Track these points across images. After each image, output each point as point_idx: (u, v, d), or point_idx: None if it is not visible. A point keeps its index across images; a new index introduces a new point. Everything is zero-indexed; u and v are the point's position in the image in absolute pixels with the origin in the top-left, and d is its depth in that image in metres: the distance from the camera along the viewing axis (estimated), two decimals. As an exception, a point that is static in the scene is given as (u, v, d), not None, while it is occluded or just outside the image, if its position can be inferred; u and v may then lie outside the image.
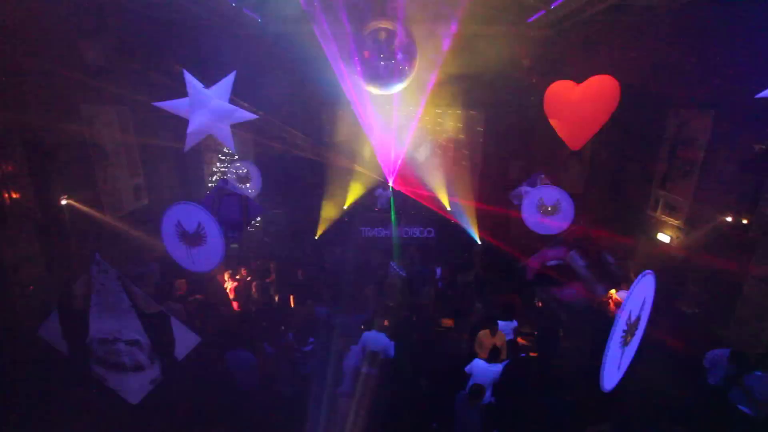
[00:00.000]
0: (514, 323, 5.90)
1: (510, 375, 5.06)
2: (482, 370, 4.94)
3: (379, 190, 10.99)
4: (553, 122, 6.59)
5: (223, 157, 10.25)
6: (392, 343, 5.40)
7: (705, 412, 5.07)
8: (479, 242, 9.74)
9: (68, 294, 3.50)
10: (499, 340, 5.54)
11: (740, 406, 4.72)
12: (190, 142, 5.04)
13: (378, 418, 4.64)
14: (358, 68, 6.14)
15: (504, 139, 10.40)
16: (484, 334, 5.55)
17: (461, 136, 11.66)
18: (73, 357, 3.62)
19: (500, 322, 5.78)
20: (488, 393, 4.95)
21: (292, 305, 7.14)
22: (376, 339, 5.31)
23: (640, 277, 2.99)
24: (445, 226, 10.51)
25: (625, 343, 3.11)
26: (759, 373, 4.71)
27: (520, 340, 6.28)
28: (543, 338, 6.32)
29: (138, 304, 3.39)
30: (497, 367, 4.94)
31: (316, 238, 10.13)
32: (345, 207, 11.44)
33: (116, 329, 3.41)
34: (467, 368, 5.07)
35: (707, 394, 5.17)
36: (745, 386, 4.70)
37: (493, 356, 5.07)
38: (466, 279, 8.05)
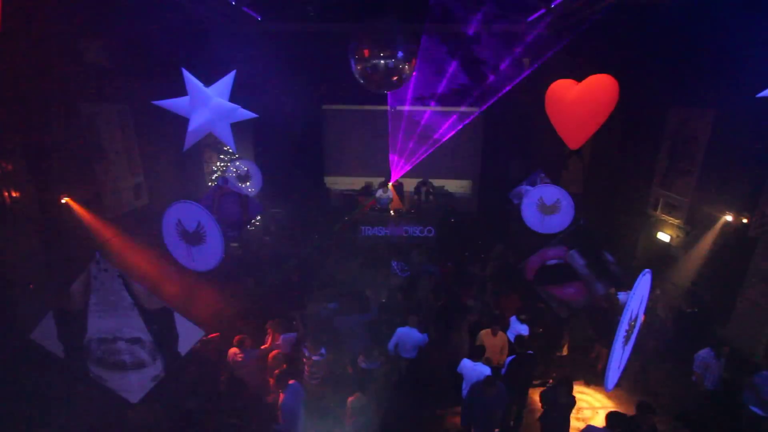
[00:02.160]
0: (526, 330, 5.83)
1: (513, 371, 5.11)
2: (469, 370, 4.96)
3: (379, 191, 11.01)
4: (553, 121, 6.59)
5: (223, 156, 10.25)
6: (425, 336, 5.65)
7: (708, 417, 5.08)
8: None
9: (66, 295, 3.42)
10: (500, 341, 5.55)
11: (752, 408, 4.70)
12: (190, 141, 5.04)
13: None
14: (357, 66, 6.13)
15: (504, 139, 10.40)
16: (485, 333, 5.56)
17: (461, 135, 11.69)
18: (69, 359, 3.53)
19: (514, 322, 5.84)
20: None
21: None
22: (409, 334, 5.56)
23: (640, 276, 2.99)
24: (446, 225, 10.51)
25: (625, 342, 3.13)
26: (766, 373, 4.71)
27: None
28: (546, 337, 6.33)
29: (140, 301, 3.36)
30: (483, 368, 4.91)
31: (317, 237, 10.14)
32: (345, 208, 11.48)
33: (116, 328, 3.35)
34: (458, 368, 5.10)
35: (708, 400, 5.18)
36: (754, 386, 4.70)
37: (475, 354, 5.07)
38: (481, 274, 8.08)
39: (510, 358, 5.26)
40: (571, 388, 4.46)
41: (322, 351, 5.18)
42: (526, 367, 5.23)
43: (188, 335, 3.54)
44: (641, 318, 3.42)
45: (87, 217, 6.43)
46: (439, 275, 7.79)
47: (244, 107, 5.10)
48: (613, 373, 3.07)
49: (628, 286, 2.99)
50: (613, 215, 8.89)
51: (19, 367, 4.88)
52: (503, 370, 5.26)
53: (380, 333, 5.89)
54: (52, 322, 3.45)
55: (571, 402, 4.47)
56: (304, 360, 5.18)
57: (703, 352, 5.16)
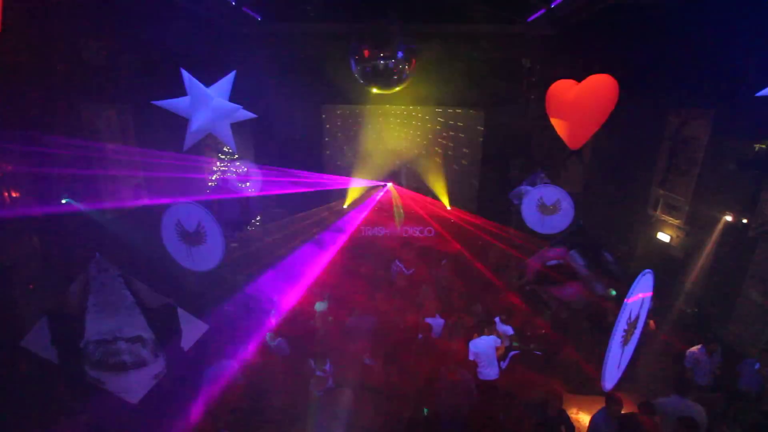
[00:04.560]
0: (511, 330, 5.99)
1: (513, 366, 5.32)
2: (479, 345, 5.33)
3: (380, 192, 11.02)
4: (553, 121, 6.59)
5: (223, 156, 10.24)
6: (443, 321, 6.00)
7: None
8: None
9: (61, 298, 3.32)
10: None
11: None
12: (189, 141, 5.04)
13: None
14: (357, 66, 6.13)
15: (504, 139, 10.38)
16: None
17: (461, 136, 11.69)
18: (64, 364, 3.42)
19: (498, 323, 5.88)
20: (494, 370, 5.34)
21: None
22: (436, 323, 5.93)
23: (639, 276, 2.99)
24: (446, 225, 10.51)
25: (625, 342, 3.12)
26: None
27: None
28: (548, 336, 6.36)
29: (142, 300, 3.30)
30: (490, 337, 5.37)
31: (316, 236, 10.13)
32: (345, 207, 11.46)
33: (116, 328, 3.29)
34: (470, 356, 5.31)
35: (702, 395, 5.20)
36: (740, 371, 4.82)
37: (480, 329, 5.47)
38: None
39: (513, 353, 5.36)
40: (561, 403, 4.49)
41: (327, 367, 5.16)
42: (528, 363, 5.36)
43: (192, 330, 3.51)
44: (644, 319, 3.40)
45: (86, 218, 6.43)
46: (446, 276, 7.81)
47: (243, 107, 5.11)
48: (611, 373, 3.06)
49: (627, 286, 2.98)
50: (613, 215, 8.89)
51: (19, 367, 4.87)
52: (504, 364, 5.35)
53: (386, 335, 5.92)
54: (45, 327, 3.32)
55: (564, 417, 4.47)
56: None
57: (694, 349, 5.28)
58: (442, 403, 4.79)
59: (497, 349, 5.46)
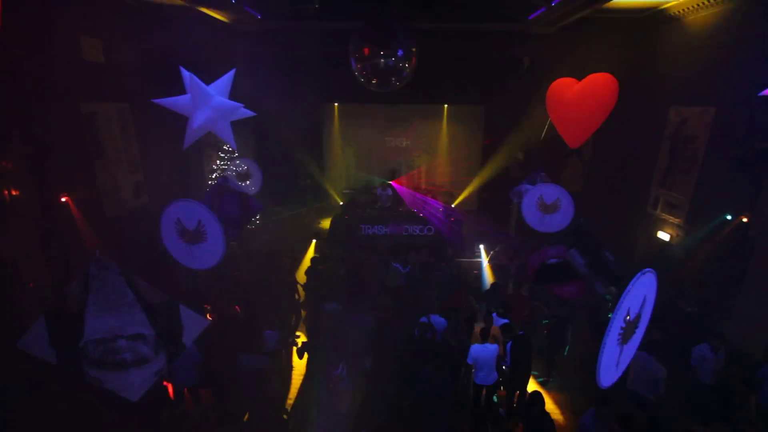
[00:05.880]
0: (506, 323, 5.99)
1: (516, 355, 5.38)
2: (480, 351, 5.26)
3: (379, 189, 11.01)
4: (553, 120, 6.59)
5: (223, 155, 10.25)
6: (445, 321, 6.00)
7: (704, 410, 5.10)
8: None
9: (60, 299, 3.26)
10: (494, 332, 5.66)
11: None
12: (189, 140, 5.03)
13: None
14: (357, 65, 6.13)
15: (504, 137, 10.39)
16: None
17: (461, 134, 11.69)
18: (63, 364, 3.35)
19: (494, 317, 5.92)
20: (492, 376, 5.37)
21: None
22: (438, 321, 5.85)
23: (638, 275, 2.97)
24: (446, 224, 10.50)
25: (623, 341, 3.10)
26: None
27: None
28: (550, 334, 6.39)
29: (144, 297, 3.26)
30: (493, 347, 5.28)
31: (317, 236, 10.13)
32: (344, 203, 11.47)
33: (116, 326, 3.23)
34: (469, 360, 5.30)
35: (705, 394, 5.20)
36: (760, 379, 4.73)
37: (483, 336, 5.39)
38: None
39: (509, 344, 5.40)
40: (543, 405, 4.49)
41: (340, 370, 5.13)
42: (526, 349, 5.44)
43: (193, 325, 3.49)
44: (646, 319, 3.37)
45: (83, 219, 6.44)
46: (447, 276, 7.77)
47: (244, 105, 5.11)
48: (608, 371, 3.05)
49: (626, 285, 2.96)
50: (612, 214, 8.88)
51: (18, 366, 4.88)
52: (508, 359, 5.38)
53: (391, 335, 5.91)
54: (43, 327, 3.26)
55: (546, 419, 4.48)
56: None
57: (701, 347, 5.26)
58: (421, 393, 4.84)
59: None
